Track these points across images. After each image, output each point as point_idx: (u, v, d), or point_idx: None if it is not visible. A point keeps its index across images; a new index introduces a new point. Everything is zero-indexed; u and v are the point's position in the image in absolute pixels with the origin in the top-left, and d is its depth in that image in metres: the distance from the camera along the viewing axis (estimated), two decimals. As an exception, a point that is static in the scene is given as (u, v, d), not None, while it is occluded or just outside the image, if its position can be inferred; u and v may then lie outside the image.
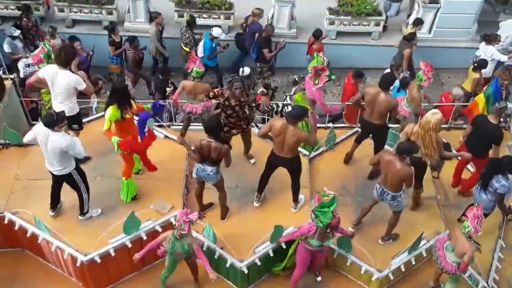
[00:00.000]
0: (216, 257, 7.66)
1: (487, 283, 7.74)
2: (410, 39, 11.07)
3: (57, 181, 7.46)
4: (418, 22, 11.41)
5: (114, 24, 11.76)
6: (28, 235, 7.55)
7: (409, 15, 12.50)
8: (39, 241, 7.53)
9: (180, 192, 8.10)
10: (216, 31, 11.18)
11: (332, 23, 12.27)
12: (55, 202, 7.63)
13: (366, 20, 12.15)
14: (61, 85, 7.50)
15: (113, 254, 7.40)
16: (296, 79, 10.85)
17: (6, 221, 7.64)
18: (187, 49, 11.79)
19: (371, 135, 8.64)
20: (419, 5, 11.99)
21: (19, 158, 8.42)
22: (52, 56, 8.39)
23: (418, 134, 7.59)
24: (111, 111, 7.29)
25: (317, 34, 11.44)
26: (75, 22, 12.56)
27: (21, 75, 10.44)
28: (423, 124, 7.51)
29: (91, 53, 10.98)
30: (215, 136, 7.14)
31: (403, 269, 7.72)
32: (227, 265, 7.62)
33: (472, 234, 6.84)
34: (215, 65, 11.66)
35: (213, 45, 11.31)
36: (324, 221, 6.72)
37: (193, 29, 11.68)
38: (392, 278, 7.67)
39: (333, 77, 8.62)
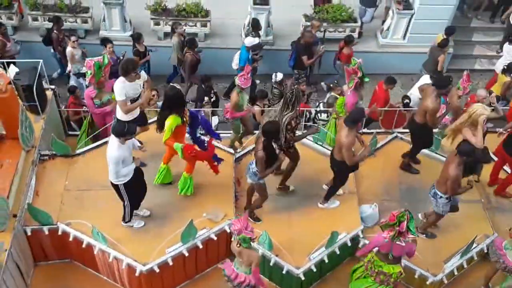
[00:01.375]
0: (271, 264, 7.80)
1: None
2: (443, 45, 11.21)
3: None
4: (451, 31, 11.48)
5: (139, 33, 11.57)
6: (83, 245, 7.63)
7: (383, 21, 12.92)
8: (95, 252, 7.59)
9: (231, 199, 8.22)
10: (248, 41, 11.29)
11: None
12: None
13: (341, 26, 12.40)
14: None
15: (170, 263, 7.50)
16: (331, 85, 10.89)
17: (59, 233, 7.70)
18: None
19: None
20: (393, 12, 12.40)
21: (67, 169, 8.47)
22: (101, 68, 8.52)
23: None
24: (171, 120, 7.34)
25: (349, 40, 11.71)
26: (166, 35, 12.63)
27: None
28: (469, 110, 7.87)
29: (121, 57, 10.83)
30: (267, 140, 7.24)
31: (455, 273, 7.97)
32: (283, 272, 7.79)
33: None
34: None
35: (250, 56, 11.37)
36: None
37: (259, 30, 12.01)
38: (445, 281, 7.88)
39: (366, 79, 8.82)
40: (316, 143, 9.19)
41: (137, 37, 11.37)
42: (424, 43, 12.32)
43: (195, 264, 8.01)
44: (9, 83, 7.89)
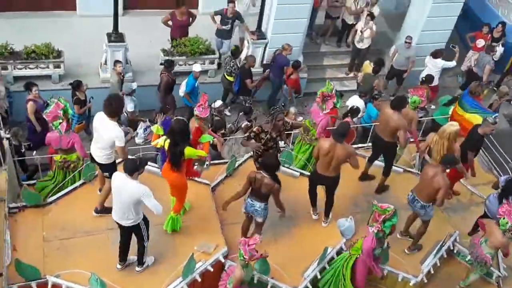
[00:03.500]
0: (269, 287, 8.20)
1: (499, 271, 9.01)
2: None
3: (128, 233, 7.44)
4: (297, 65, 12.78)
5: (79, 80, 11.29)
6: None
7: (240, 51, 13.59)
8: None
9: (219, 230, 8.55)
10: (196, 67, 11.81)
11: None
12: (125, 253, 7.67)
13: (200, 59, 12.94)
14: (105, 135, 7.52)
15: None
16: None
17: (49, 286, 7.52)
18: (231, 78, 12.49)
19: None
20: (248, 42, 13.24)
21: (41, 219, 8.28)
22: (69, 111, 8.67)
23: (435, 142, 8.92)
24: (188, 151, 7.43)
25: (297, 65, 12.55)
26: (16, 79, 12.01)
27: (140, 141, 11.61)
28: (439, 132, 9.08)
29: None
30: (271, 174, 7.66)
31: (432, 271, 8.86)
32: None
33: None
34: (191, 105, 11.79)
35: (196, 84, 11.87)
36: (387, 233, 7.70)
37: (237, 58, 12.53)
38: (425, 281, 8.77)
39: (338, 105, 9.52)
40: (284, 165, 9.61)
41: (76, 85, 11.08)
42: (279, 70, 13.34)
43: None
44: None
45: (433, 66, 13.47)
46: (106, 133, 7.42)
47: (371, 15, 13.50)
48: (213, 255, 8.08)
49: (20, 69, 11.84)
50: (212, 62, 13.15)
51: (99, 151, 7.71)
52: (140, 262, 7.70)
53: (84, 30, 13.04)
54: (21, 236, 7.94)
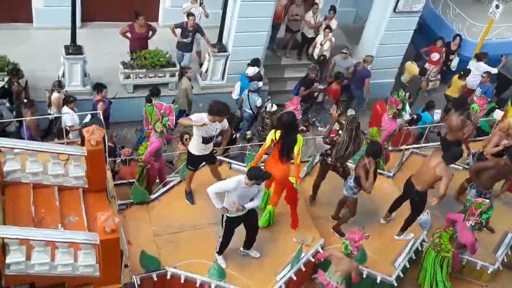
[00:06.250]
0: (364, 276, 8.59)
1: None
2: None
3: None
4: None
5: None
6: (197, 285, 7.99)
7: (201, 64, 13.56)
8: None
9: (311, 223, 9.10)
10: (250, 71, 12.48)
11: (127, 77, 12.58)
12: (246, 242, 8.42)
13: (161, 71, 12.83)
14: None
15: None
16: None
17: (168, 277, 7.98)
18: None
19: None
20: (209, 55, 13.25)
21: (147, 215, 8.77)
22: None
23: None
24: (299, 141, 8.09)
25: (338, 76, 13.39)
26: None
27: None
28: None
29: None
30: (373, 158, 8.29)
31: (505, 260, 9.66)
32: (377, 281, 8.68)
33: None
34: None
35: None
36: (484, 224, 8.53)
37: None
38: (501, 268, 9.53)
39: (403, 112, 10.03)
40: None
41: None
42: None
43: (298, 286, 8.71)
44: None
45: (476, 69, 14.21)
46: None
47: (329, 28, 13.96)
48: (312, 246, 8.67)
49: (-25, 81, 11.47)
50: (173, 75, 13.01)
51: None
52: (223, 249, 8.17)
53: (41, 42, 12.83)
54: (132, 231, 8.35)
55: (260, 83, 12.60)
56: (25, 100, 10.91)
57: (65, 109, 10.75)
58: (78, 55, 11.79)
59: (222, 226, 7.90)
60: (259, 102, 12.43)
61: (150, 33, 12.70)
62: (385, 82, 14.71)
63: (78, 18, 12.43)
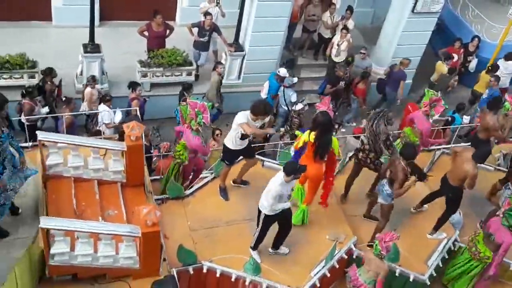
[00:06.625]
0: (397, 274, 8.55)
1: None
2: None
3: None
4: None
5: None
6: (232, 279, 7.99)
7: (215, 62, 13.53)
8: (246, 283, 7.99)
9: (344, 221, 9.12)
10: (282, 71, 12.35)
11: (144, 75, 12.68)
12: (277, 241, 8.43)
13: (178, 70, 12.94)
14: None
15: (318, 285, 8.19)
16: None
17: (204, 271, 8.02)
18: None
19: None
20: (226, 54, 13.38)
21: (183, 210, 8.85)
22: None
23: None
24: (335, 142, 8.19)
25: (365, 75, 13.45)
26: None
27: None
28: None
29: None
30: (407, 160, 8.23)
31: None
32: (410, 280, 8.58)
33: None
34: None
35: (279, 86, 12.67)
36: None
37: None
38: None
39: (446, 106, 10.27)
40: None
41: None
42: (257, 82, 13.34)
43: (330, 283, 8.70)
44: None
45: (505, 69, 14.34)
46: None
47: (346, 28, 13.94)
48: (345, 244, 8.68)
49: (-6, 79, 11.75)
50: (189, 74, 13.06)
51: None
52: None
53: (59, 40, 13.02)
54: (168, 225, 8.36)
55: (295, 79, 12.76)
56: (63, 98, 10.96)
57: (102, 106, 10.91)
58: (96, 53, 11.93)
59: (258, 223, 7.96)
60: (294, 97, 12.58)
61: (168, 31, 12.78)
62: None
63: (97, 17, 12.57)
